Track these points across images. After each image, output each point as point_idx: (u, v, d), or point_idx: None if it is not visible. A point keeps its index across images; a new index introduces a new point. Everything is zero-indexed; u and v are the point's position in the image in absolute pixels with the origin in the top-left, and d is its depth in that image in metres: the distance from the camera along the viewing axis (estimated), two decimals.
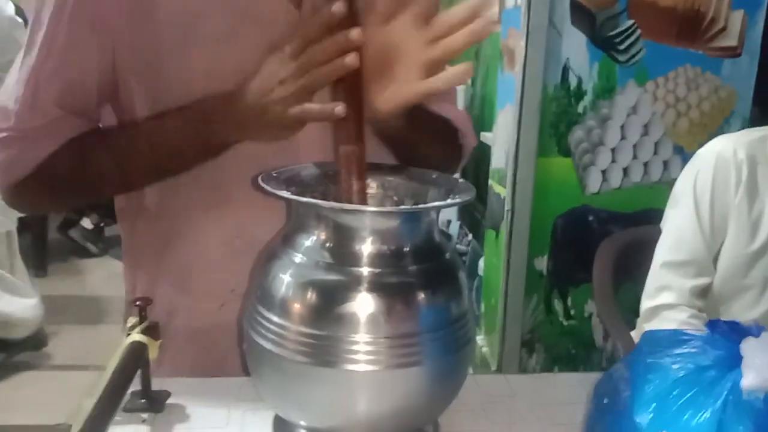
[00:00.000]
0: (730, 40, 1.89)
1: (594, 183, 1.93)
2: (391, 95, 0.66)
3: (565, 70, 1.85)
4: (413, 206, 0.63)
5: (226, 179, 0.81)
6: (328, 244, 0.61)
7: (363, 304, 0.59)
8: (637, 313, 1.89)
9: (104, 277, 3.58)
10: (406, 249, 0.61)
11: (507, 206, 1.92)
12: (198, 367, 0.86)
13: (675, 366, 0.56)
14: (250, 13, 0.77)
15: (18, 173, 0.80)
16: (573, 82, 1.85)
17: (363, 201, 0.66)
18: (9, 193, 0.83)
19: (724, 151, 1.38)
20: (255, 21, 0.77)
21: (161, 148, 0.76)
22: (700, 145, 1.96)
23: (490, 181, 2.14)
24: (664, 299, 1.37)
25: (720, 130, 1.97)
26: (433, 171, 0.71)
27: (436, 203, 0.59)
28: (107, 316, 3.19)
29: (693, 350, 0.56)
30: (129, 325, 0.72)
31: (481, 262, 2.37)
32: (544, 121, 1.87)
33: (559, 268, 2.00)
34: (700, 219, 1.37)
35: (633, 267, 1.68)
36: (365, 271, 0.59)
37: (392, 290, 0.59)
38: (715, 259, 1.39)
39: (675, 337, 0.58)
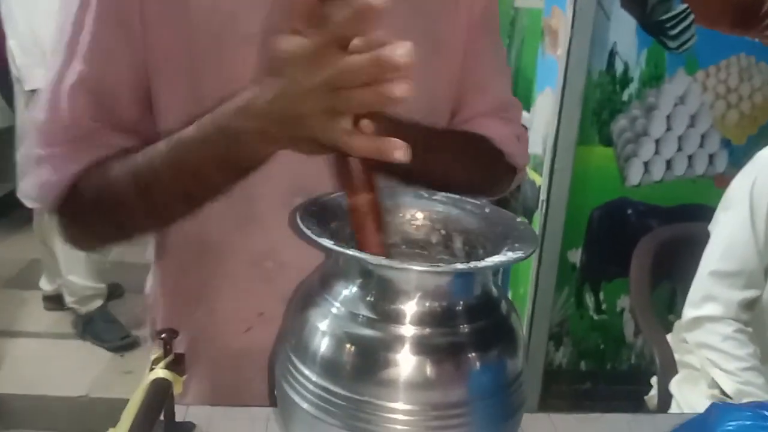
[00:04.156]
0: None
1: (635, 175, 1.85)
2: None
3: (612, 55, 1.75)
4: (467, 266, 0.56)
5: (254, 194, 0.73)
6: (369, 297, 0.55)
7: (406, 368, 0.52)
8: (671, 311, 1.82)
9: None
10: (457, 306, 0.54)
11: (542, 196, 1.85)
12: (221, 392, 0.81)
13: None
14: (285, 8, 0.69)
15: (51, 197, 0.71)
16: (619, 68, 1.76)
17: (383, 254, 0.58)
18: (56, 224, 0.74)
19: None
20: (290, 19, 0.68)
21: (183, 169, 0.64)
22: (749, 139, 1.88)
23: None
24: (710, 311, 1.30)
25: None
26: (486, 204, 0.64)
27: (495, 261, 0.52)
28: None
29: None
30: (153, 357, 0.67)
31: None
32: (587, 108, 1.78)
33: (592, 262, 1.93)
34: (755, 228, 1.28)
35: (671, 265, 1.61)
36: (410, 330, 0.53)
37: (441, 353, 0.53)
38: (766, 271, 1.31)
39: (756, 422, 0.51)
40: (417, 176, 0.72)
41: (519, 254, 0.53)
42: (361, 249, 0.57)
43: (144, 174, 0.66)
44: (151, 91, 0.73)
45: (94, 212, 0.71)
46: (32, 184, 0.71)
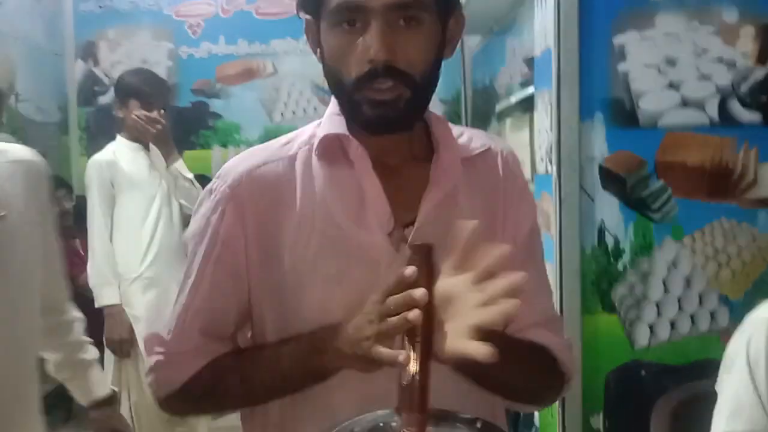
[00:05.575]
0: (763, 192, 1.92)
1: (642, 337, 1.94)
2: (449, 346, 0.75)
3: (601, 231, 1.90)
4: None
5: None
6: None
7: None
8: None
9: None
10: None
11: None
12: None
13: None
14: (357, 255, 0.91)
15: (165, 391, 0.98)
16: (610, 242, 1.90)
17: None
18: (163, 406, 1.01)
19: None
20: (361, 263, 0.91)
21: (278, 371, 0.91)
22: (746, 293, 1.98)
23: None
24: None
25: (763, 277, 1.97)
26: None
27: None
28: None
29: None
30: None
31: (537, 413, 2.34)
32: (586, 279, 1.91)
33: (615, 425, 1.97)
34: (757, 387, 1.34)
35: (690, 425, 1.66)
36: None
37: None
38: None
39: None
40: (488, 379, 0.89)
41: None
42: None
43: (248, 373, 0.94)
44: (252, 313, 0.98)
45: (205, 398, 0.98)
46: (155, 381, 0.98)
